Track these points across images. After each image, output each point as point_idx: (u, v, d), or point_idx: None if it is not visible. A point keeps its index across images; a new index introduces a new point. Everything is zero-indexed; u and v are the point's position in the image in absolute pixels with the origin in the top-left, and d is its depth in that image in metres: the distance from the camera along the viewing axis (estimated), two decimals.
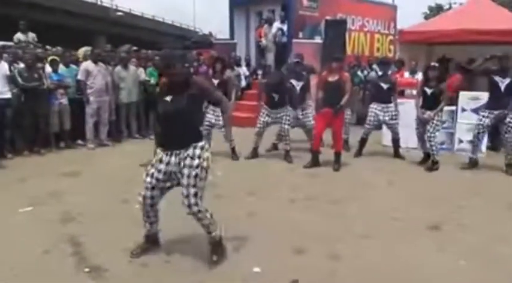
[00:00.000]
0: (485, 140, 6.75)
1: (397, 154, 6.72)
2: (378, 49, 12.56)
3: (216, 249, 3.18)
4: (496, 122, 5.90)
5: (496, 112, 5.81)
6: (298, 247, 3.42)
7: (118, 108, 7.72)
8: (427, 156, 6.23)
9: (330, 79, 5.92)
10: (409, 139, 6.80)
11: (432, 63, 6.47)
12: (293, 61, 7.13)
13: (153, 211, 3.22)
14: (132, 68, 7.91)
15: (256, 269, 3.06)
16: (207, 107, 6.42)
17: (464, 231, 3.86)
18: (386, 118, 6.57)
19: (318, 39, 10.52)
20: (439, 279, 3.03)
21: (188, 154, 2.96)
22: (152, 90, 7.83)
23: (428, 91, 6.03)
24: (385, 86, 6.55)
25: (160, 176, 3.05)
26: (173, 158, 3.00)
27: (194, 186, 2.94)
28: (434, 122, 5.98)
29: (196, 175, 2.95)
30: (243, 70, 10.93)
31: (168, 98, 3.02)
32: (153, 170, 3.07)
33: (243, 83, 10.59)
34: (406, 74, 8.75)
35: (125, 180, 5.31)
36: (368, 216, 4.20)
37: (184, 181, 2.95)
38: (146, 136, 8.08)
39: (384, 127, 7.09)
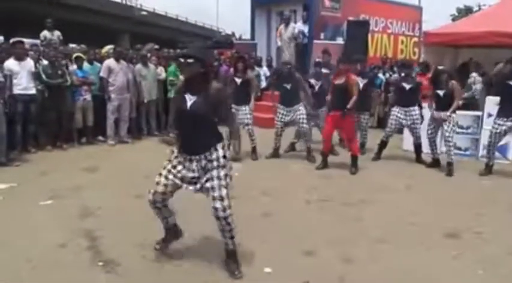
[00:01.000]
0: (511, 148, 6.57)
1: (419, 159, 6.55)
2: (402, 51, 12.37)
3: (235, 259, 3.02)
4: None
5: (510, 119, 5.64)
6: (311, 249, 3.40)
7: (138, 106, 7.83)
8: (436, 162, 6.18)
9: (337, 82, 5.85)
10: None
11: (440, 67, 6.38)
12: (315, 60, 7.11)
13: (165, 208, 3.15)
14: (152, 66, 8.01)
15: (268, 269, 3.06)
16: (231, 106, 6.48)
17: (482, 240, 3.75)
18: (409, 122, 6.43)
19: (340, 40, 10.42)
20: None
21: (213, 158, 2.85)
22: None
23: (441, 93, 5.96)
24: (407, 87, 6.38)
25: (177, 179, 2.94)
26: (194, 164, 2.88)
27: (226, 186, 2.87)
28: (452, 122, 5.90)
29: (226, 175, 2.87)
30: (264, 70, 10.91)
31: (187, 97, 2.88)
32: (166, 171, 2.98)
33: (263, 84, 10.58)
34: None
35: (142, 176, 5.37)
36: (384, 220, 4.14)
37: (215, 183, 2.84)
38: (165, 134, 8.15)
39: (405, 131, 6.97)
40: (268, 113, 7.79)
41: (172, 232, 3.26)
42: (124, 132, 7.60)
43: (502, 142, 6.10)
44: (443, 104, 5.93)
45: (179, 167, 2.94)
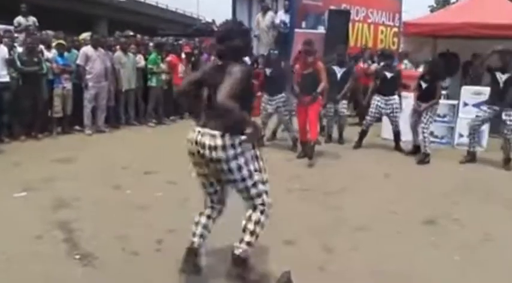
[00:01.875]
0: (486, 136, 6.72)
1: (397, 147, 6.68)
2: (382, 41, 12.42)
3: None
4: (494, 117, 5.87)
5: (495, 107, 5.77)
6: (292, 239, 3.39)
7: (117, 94, 7.66)
8: (417, 148, 6.29)
9: (305, 71, 5.81)
10: (409, 132, 6.75)
11: (429, 58, 6.53)
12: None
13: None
14: (131, 54, 7.84)
15: None
16: None
17: (459, 227, 3.83)
18: (388, 111, 6.53)
19: (321, 29, 10.38)
20: (433, 274, 3.00)
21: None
22: (157, 78, 7.85)
23: (423, 85, 6.12)
24: (389, 75, 6.48)
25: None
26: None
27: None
28: (429, 114, 6.02)
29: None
30: (245, 59, 10.81)
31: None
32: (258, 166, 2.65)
33: None
34: (408, 66, 8.66)
35: (120, 166, 5.31)
36: (364, 209, 4.17)
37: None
38: (144, 123, 8.05)
39: (385, 120, 7.04)
40: None
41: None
42: (102, 121, 7.44)
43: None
44: (424, 95, 6.08)
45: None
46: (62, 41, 7.21)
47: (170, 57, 8.32)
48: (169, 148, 6.37)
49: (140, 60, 8.03)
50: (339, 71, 6.69)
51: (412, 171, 5.72)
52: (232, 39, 2.59)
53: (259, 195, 2.64)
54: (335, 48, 7.35)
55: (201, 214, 2.80)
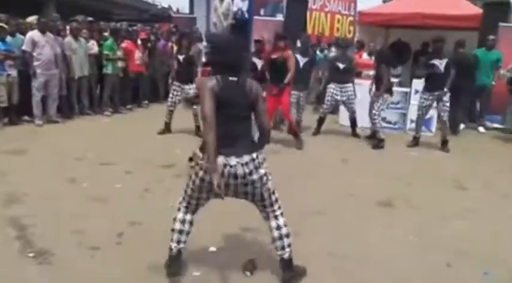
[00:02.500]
0: (434, 121, 7.05)
1: (354, 133, 6.88)
2: (338, 29, 12.59)
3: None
4: (436, 102, 6.15)
5: (436, 93, 6.04)
6: (255, 226, 3.39)
7: (69, 83, 7.32)
8: (374, 132, 6.55)
9: (274, 56, 5.87)
10: (365, 119, 6.95)
11: (378, 47, 6.77)
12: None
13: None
14: (82, 40, 7.49)
15: (212, 248, 3.04)
16: (172, 83, 6.29)
17: (412, 208, 4.03)
18: (344, 98, 6.70)
19: (280, 17, 10.39)
20: (388, 253, 3.13)
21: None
22: (112, 65, 7.58)
23: (375, 73, 6.46)
24: (341, 66, 6.63)
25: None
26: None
27: None
28: (380, 102, 6.27)
29: None
30: (204, 46, 10.64)
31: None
32: None
33: (203, 59, 10.34)
34: (365, 55, 8.88)
35: (74, 158, 5.11)
36: (323, 193, 4.28)
37: None
38: (99, 112, 7.76)
39: (342, 107, 7.21)
40: None
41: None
42: (53, 111, 7.08)
43: (427, 116, 6.53)
44: (376, 83, 6.37)
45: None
46: (3, 25, 6.69)
47: (126, 44, 8.02)
48: (127, 138, 6.22)
49: (93, 46, 7.68)
50: (301, 60, 6.71)
51: (368, 156, 5.92)
52: (240, 53, 2.58)
53: (276, 200, 2.65)
54: (294, 37, 7.39)
55: (183, 221, 2.68)
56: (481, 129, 7.71)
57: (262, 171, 2.50)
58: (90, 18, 8.94)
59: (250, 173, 2.44)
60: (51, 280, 2.64)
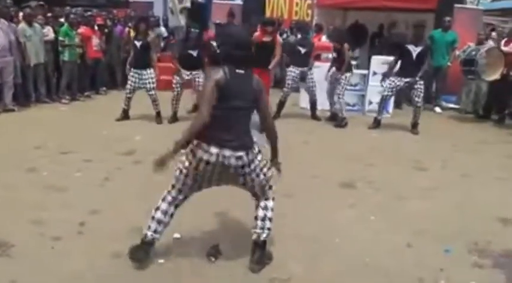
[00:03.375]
0: (391, 102, 7.29)
1: (314, 116, 7.00)
2: (297, 13, 12.64)
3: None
4: (406, 88, 6.31)
5: (406, 79, 6.15)
6: (219, 211, 3.44)
7: (24, 70, 6.99)
8: (334, 114, 6.74)
9: (264, 39, 6.01)
10: (325, 101, 7.08)
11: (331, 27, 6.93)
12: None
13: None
14: (37, 26, 7.14)
15: (177, 235, 3.03)
16: (129, 70, 6.20)
17: (373, 189, 4.16)
18: (304, 81, 6.78)
19: (239, 1, 10.30)
20: (351, 233, 3.24)
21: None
22: (69, 52, 7.29)
23: (335, 55, 6.62)
24: (302, 50, 6.69)
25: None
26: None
27: None
28: (343, 82, 6.46)
29: None
30: (161, 30, 10.42)
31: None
32: None
33: (161, 44, 10.14)
34: (323, 38, 8.97)
35: (33, 147, 4.95)
36: (287, 176, 4.29)
37: None
38: (57, 100, 7.48)
39: (302, 90, 7.30)
40: (164, 75, 7.52)
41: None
42: (9, 99, 6.75)
43: None
44: (338, 64, 6.51)
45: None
46: None
47: (82, 29, 7.72)
48: (85, 126, 6.06)
49: (49, 33, 7.35)
50: None
51: (328, 137, 6.05)
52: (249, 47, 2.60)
53: (270, 187, 2.75)
54: (252, 19, 7.38)
55: (165, 213, 2.67)
56: (438, 109, 7.99)
57: (256, 162, 2.59)
58: (41, 3, 8.47)
59: (243, 167, 2.53)
60: (11, 272, 2.57)
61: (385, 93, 6.39)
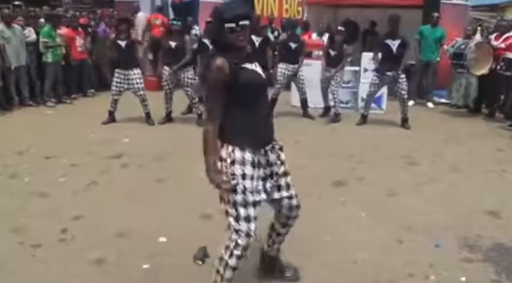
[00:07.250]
0: (384, 99, 7.23)
1: (305, 114, 6.92)
2: (287, 10, 12.59)
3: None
4: (390, 83, 6.28)
5: (389, 73, 6.12)
6: (206, 213, 3.34)
7: (5, 73, 6.82)
8: (327, 109, 6.79)
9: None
10: (317, 99, 7.01)
11: (339, 28, 6.91)
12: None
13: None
14: (17, 27, 6.99)
15: (162, 239, 2.94)
16: (117, 71, 6.12)
17: (364, 186, 4.11)
18: (295, 78, 6.73)
19: None
20: (343, 231, 3.19)
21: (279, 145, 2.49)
22: (53, 53, 7.15)
23: (332, 53, 6.58)
24: (293, 46, 6.63)
25: (264, 194, 2.30)
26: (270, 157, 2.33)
27: None
28: (338, 78, 6.50)
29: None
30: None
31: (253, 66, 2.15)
32: (248, 193, 2.14)
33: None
34: (314, 36, 8.90)
35: (16, 152, 4.82)
36: None
37: (289, 177, 2.48)
38: (41, 103, 7.32)
39: (293, 87, 7.23)
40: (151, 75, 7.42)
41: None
42: None
43: (378, 94, 6.66)
44: (333, 62, 6.55)
45: (258, 173, 2.21)
46: None
47: (65, 30, 7.57)
48: (72, 129, 5.93)
49: (30, 34, 7.19)
50: (256, 40, 6.64)
51: (320, 135, 5.98)
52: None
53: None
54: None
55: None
56: (430, 104, 7.97)
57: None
58: (17, 3, 8.22)
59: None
60: None
61: (371, 88, 6.37)
